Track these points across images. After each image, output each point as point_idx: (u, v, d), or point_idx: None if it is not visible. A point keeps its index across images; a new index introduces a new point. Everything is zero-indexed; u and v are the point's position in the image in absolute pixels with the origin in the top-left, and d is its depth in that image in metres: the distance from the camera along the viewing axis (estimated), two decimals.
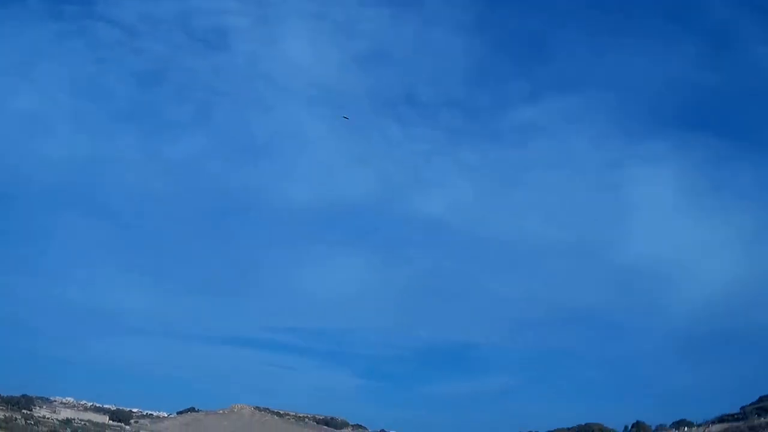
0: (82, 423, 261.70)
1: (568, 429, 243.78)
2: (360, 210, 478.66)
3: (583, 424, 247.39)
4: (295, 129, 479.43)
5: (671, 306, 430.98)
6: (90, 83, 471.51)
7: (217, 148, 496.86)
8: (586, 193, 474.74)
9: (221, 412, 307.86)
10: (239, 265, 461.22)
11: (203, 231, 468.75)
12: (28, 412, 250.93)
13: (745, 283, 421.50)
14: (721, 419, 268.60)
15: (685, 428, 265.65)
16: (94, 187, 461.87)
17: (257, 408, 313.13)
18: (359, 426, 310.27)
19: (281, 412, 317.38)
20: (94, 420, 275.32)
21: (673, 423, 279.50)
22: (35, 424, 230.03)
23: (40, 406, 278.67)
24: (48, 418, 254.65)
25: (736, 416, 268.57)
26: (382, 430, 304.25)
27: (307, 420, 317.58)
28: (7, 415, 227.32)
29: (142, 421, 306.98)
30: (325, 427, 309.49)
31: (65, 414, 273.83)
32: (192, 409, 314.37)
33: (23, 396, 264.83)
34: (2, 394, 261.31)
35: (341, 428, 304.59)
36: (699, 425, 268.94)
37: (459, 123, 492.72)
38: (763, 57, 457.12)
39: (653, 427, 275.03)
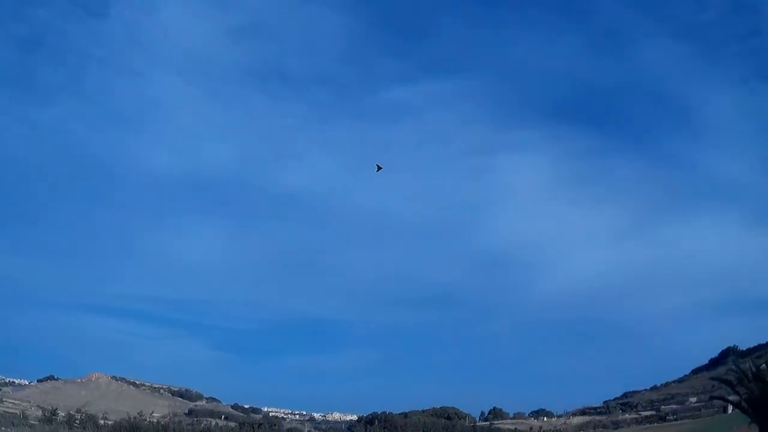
0: None
1: (423, 411, 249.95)
2: (223, 180, 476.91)
3: (438, 407, 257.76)
4: (164, 97, 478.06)
5: (535, 293, 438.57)
6: None
7: (85, 114, 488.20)
8: (453, 176, 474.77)
9: (79, 380, 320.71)
10: (99, 232, 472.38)
11: (65, 196, 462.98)
12: None
13: (614, 276, 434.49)
14: (582, 411, 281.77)
15: (544, 418, 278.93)
16: None
17: (114, 378, 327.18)
18: (213, 399, 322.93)
19: (137, 383, 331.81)
20: None
21: (532, 412, 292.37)
22: None
23: None
24: None
25: (598, 409, 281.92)
26: (236, 403, 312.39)
27: (162, 391, 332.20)
28: None
29: (4, 388, 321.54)
30: (180, 398, 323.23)
31: None
32: (52, 377, 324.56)
33: None
34: None
35: (196, 401, 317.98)
36: (559, 416, 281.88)
37: (328, 99, 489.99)
38: (643, 56, 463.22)
39: (511, 415, 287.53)
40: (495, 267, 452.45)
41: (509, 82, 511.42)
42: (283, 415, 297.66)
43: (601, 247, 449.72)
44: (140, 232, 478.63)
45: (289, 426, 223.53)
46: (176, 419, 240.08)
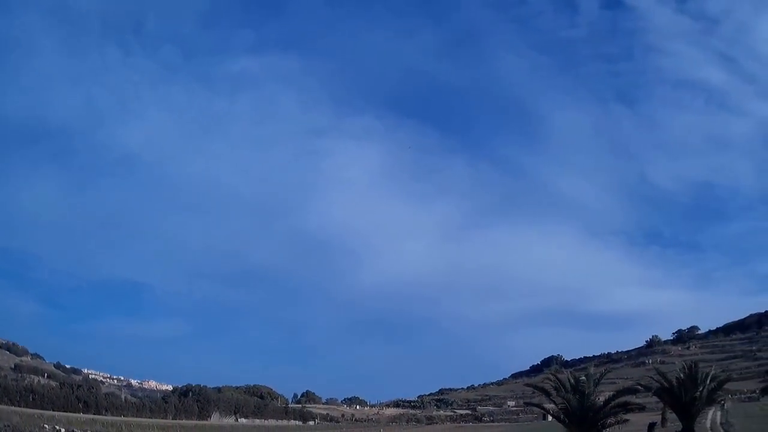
0: None
1: (237, 388, 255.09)
2: (66, 130, 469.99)
3: (252, 385, 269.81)
4: (21, 40, 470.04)
5: (356, 283, 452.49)
6: None
7: None
8: (288, 155, 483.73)
9: None
10: None
11: None
12: None
13: (438, 275, 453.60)
14: (397, 403, 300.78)
15: (357, 406, 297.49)
16: None
17: None
18: (38, 355, 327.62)
19: None
20: None
21: (345, 399, 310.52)
22: None
23: None
24: None
25: (413, 403, 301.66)
26: (58, 362, 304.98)
27: None
28: None
29: None
30: (7, 352, 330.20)
31: None
32: None
33: None
34: None
35: (21, 356, 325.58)
36: (372, 405, 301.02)
37: (178, 61, 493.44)
38: (500, 63, 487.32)
39: (324, 400, 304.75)
40: (318, 251, 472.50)
41: (357, 68, 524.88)
42: (102, 378, 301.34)
43: (427, 244, 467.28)
44: None
45: (106, 390, 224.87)
46: (2, 373, 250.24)
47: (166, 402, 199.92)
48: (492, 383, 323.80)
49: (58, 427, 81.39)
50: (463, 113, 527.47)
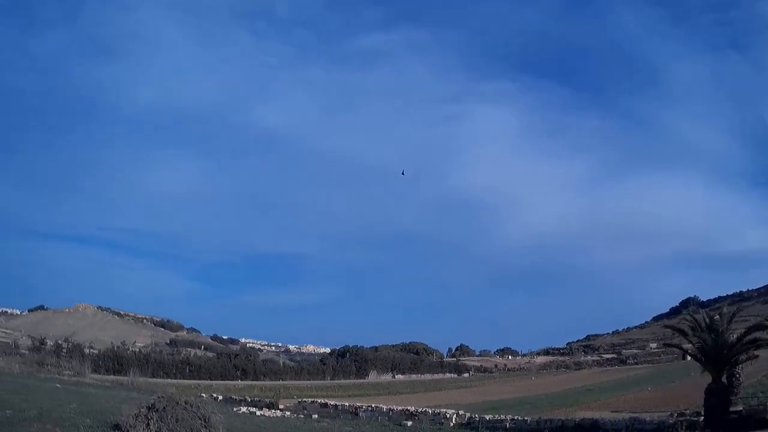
0: None
1: (393, 346, 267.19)
2: (205, 117, 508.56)
3: (407, 342, 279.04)
4: (152, 32, 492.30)
5: (500, 238, 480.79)
6: None
7: (76, 46, 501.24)
8: (424, 123, 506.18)
9: (67, 310, 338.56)
10: (83, 164, 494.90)
11: (52, 128, 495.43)
12: None
13: (578, 226, 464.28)
14: (546, 351, 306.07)
15: (509, 356, 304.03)
16: None
17: (100, 308, 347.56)
18: (193, 329, 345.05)
19: (122, 313, 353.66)
20: None
21: (497, 350, 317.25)
22: None
23: None
24: None
25: (561, 350, 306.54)
26: (215, 334, 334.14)
27: (145, 321, 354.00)
28: None
29: None
30: (162, 329, 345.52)
31: None
32: (41, 308, 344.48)
33: None
34: None
35: (177, 331, 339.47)
36: (523, 355, 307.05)
37: (311, 42, 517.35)
38: (617, 19, 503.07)
39: (477, 352, 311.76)
40: (461, 211, 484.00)
41: (485, 35, 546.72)
42: (259, 346, 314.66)
43: (566, 197, 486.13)
44: (125, 165, 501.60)
45: (264, 357, 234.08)
46: (158, 348, 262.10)
47: (324, 364, 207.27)
48: (635, 327, 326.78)
49: (215, 395, 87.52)
50: (589, 70, 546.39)
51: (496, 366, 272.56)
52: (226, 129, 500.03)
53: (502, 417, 52.75)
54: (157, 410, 30.57)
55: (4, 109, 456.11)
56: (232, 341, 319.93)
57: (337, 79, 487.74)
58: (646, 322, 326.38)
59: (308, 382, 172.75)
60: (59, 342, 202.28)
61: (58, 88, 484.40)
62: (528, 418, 51.77)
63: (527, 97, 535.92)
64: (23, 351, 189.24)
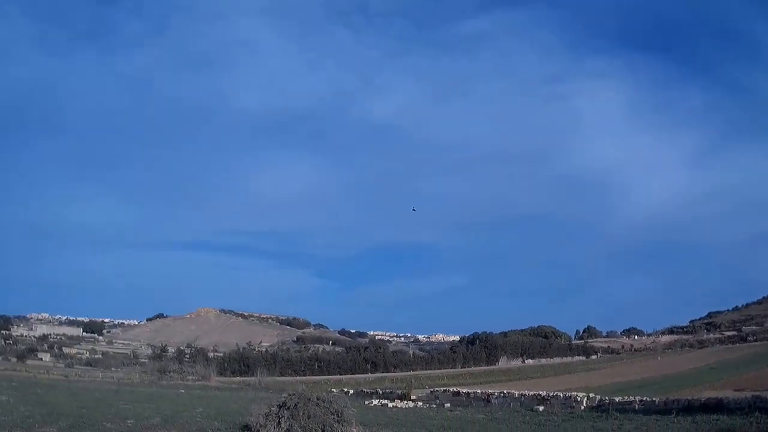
0: (58, 337, 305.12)
1: (521, 331, 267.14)
2: (312, 115, 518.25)
3: (536, 326, 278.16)
4: (248, 38, 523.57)
5: (617, 217, 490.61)
6: (49, 5, 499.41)
7: (171, 61, 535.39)
8: (531, 104, 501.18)
9: (188, 316, 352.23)
10: (193, 173, 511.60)
11: (158, 141, 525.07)
12: (7, 332, 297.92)
13: (692, 201, 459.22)
14: (670, 330, 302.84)
15: (635, 336, 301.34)
16: (50, 106, 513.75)
17: (222, 311, 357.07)
18: (320, 325, 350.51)
19: (245, 314, 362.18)
20: (69, 333, 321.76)
21: (623, 331, 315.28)
22: (14, 343, 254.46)
23: (17, 325, 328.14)
24: (25, 336, 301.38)
25: (685, 329, 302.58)
26: (343, 329, 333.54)
27: (270, 321, 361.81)
28: None
29: (114, 330, 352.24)
30: (288, 327, 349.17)
31: (41, 330, 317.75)
32: (160, 316, 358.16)
33: (1, 317, 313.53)
34: None
35: (303, 328, 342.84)
36: (648, 334, 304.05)
37: (410, 32, 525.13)
38: None
39: (604, 333, 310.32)
40: (576, 191, 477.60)
41: (583, 12, 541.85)
42: (388, 338, 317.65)
43: (678, 172, 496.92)
44: (237, 170, 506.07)
45: (394, 348, 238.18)
46: (284, 347, 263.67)
47: (454, 352, 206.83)
48: (753, 302, 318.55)
49: (345, 389, 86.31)
50: (690, 42, 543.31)
51: (623, 347, 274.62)
52: (335, 125, 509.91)
53: (631, 399, 51.74)
54: (288, 408, 31.42)
55: (109, 129, 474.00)
56: (361, 334, 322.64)
57: (443, 66, 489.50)
58: (764, 297, 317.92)
59: (439, 371, 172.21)
60: (181, 348, 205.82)
61: (159, 102, 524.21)
62: (656, 399, 50.73)
63: (631, 73, 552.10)
64: (143, 360, 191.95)
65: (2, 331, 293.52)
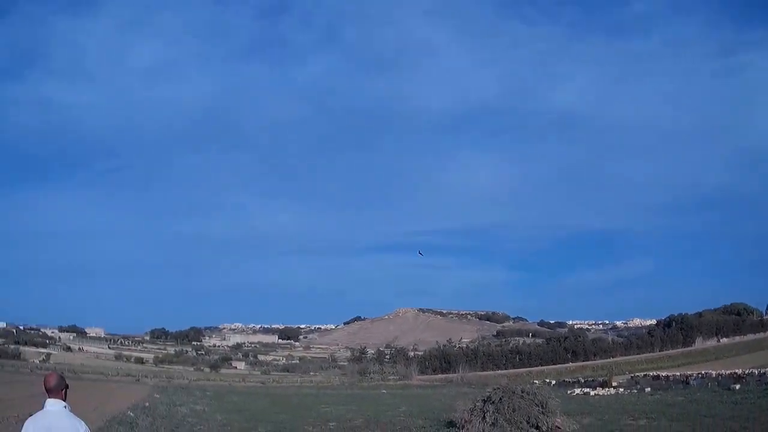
0: (252, 345, 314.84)
1: (714, 310, 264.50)
2: (492, 109, 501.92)
3: (728, 304, 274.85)
4: (421, 39, 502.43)
5: None
6: (212, 23, 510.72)
7: (346, 67, 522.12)
8: (704, 79, 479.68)
9: (386, 317, 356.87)
10: (379, 176, 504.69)
11: (339, 147, 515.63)
12: (198, 344, 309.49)
13: None
14: None
15: None
16: (230, 122, 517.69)
17: (420, 310, 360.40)
18: (519, 318, 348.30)
19: (444, 312, 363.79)
20: (264, 341, 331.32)
21: None
22: (206, 353, 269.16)
23: (209, 336, 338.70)
24: (218, 346, 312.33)
25: None
26: (542, 320, 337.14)
27: (469, 317, 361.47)
28: (177, 349, 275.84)
29: (310, 335, 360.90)
30: (488, 322, 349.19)
31: (234, 339, 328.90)
32: (358, 318, 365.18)
33: (192, 329, 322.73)
34: (172, 331, 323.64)
35: (503, 322, 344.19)
36: None
37: (579, 18, 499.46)
38: None
39: None
40: (762, 164, 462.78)
41: None
42: (586, 326, 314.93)
43: None
44: (423, 170, 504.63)
45: (593, 336, 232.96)
46: (485, 342, 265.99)
47: (651, 336, 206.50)
48: None
49: (547, 380, 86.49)
50: None
51: None
52: (516, 118, 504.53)
53: None
54: (492, 402, 31.78)
55: (288, 140, 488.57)
56: (560, 324, 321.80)
57: (617, 48, 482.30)
58: None
59: (637, 356, 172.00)
60: (380, 349, 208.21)
61: (336, 108, 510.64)
62: None
63: None
64: (341, 363, 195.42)
65: (194, 342, 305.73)
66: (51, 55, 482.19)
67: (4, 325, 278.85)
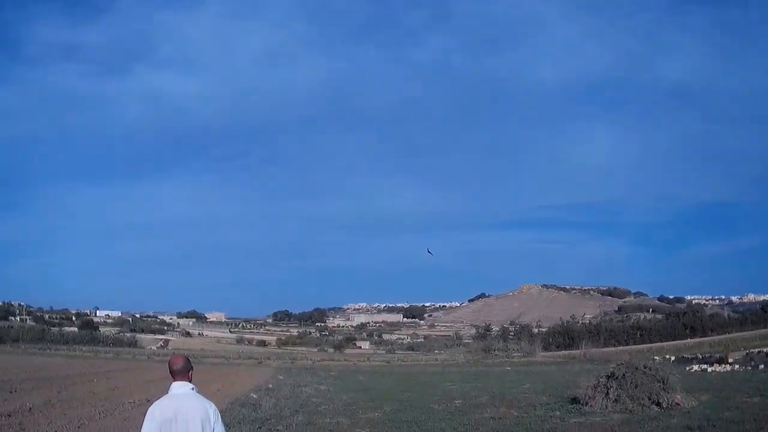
0: (377, 325, 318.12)
1: None
2: (608, 83, 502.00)
3: None
4: (531, 14, 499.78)
5: None
6: (324, 7, 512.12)
7: (460, 45, 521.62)
8: None
9: (511, 294, 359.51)
10: (500, 152, 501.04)
11: (459, 125, 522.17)
12: (322, 325, 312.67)
13: None
14: None
15: None
16: (348, 103, 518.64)
17: (544, 286, 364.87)
18: (640, 293, 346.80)
19: (567, 288, 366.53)
20: (388, 320, 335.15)
21: None
22: (330, 334, 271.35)
23: (333, 317, 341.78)
24: (342, 327, 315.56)
25: None
26: (662, 295, 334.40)
27: (591, 293, 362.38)
28: (300, 331, 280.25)
29: (435, 314, 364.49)
30: (609, 297, 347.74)
31: (359, 320, 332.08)
32: (482, 296, 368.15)
33: (315, 310, 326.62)
34: (295, 313, 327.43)
35: (624, 297, 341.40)
36: None
37: None
38: None
39: None
40: None
41: None
42: (704, 301, 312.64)
43: None
44: (543, 145, 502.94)
45: (710, 312, 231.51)
46: (607, 318, 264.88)
47: (765, 312, 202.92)
48: None
49: (667, 356, 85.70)
50: None
51: None
52: (631, 91, 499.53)
53: None
54: (616, 378, 32.04)
55: (408, 119, 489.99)
56: (678, 300, 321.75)
57: (723, 21, 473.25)
58: None
59: (753, 332, 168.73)
60: (505, 326, 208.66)
61: (454, 86, 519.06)
62: None
63: None
64: (466, 341, 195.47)
65: (318, 324, 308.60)
66: (159, 48, 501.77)
67: (120, 314, 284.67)
